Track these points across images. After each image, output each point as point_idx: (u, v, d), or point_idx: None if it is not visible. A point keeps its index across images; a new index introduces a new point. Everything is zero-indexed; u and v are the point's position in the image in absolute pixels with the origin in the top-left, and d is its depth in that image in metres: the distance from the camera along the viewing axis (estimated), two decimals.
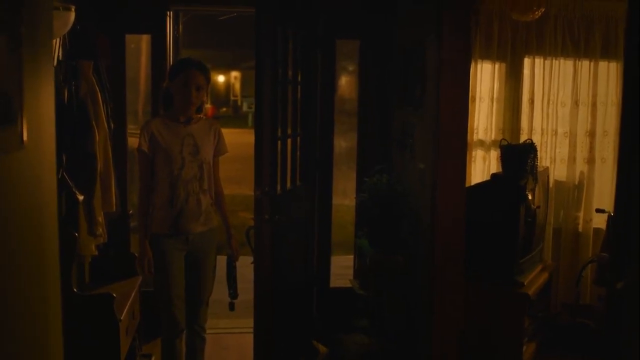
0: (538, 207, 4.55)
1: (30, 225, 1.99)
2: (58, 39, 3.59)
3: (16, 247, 1.86)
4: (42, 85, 2.01)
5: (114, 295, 3.67)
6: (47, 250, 2.15)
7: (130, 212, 4.80)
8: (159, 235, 3.69)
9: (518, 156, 4.30)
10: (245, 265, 4.15)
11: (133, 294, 4.12)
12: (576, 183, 5.24)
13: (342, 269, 5.54)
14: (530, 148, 4.33)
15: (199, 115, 3.78)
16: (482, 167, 5.06)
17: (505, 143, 4.45)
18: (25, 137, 1.80)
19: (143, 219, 3.70)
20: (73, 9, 3.35)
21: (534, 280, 4.48)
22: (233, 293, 3.96)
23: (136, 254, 3.84)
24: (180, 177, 3.63)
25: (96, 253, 3.99)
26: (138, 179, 3.76)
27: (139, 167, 3.73)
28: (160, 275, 3.71)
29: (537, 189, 4.49)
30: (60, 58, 3.68)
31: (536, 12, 4.36)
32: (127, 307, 3.89)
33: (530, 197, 4.40)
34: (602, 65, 5.11)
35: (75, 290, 3.61)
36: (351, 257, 5.27)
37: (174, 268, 3.69)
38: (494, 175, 4.54)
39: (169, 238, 3.68)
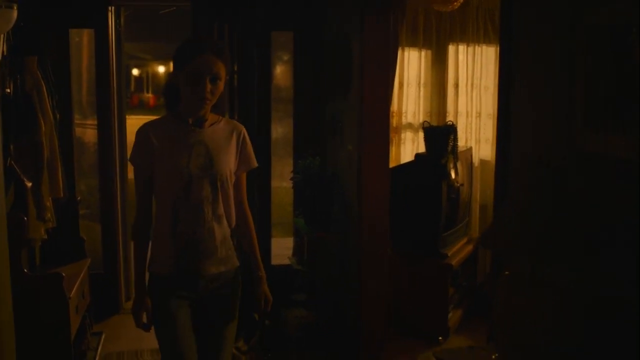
0: (462, 184, 4.87)
1: None
2: (2, 35, 3.78)
3: None
4: None
5: (63, 274, 3.91)
6: None
7: (79, 198, 5.02)
8: (158, 276, 2.72)
9: (439, 137, 4.62)
10: None
11: (82, 275, 4.37)
12: None
13: (284, 249, 5.78)
14: (450, 129, 4.65)
15: (217, 116, 2.79)
16: (411, 148, 5.37)
17: (428, 125, 4.76)
18: None
19: (140, 252, 2.75)
20: (15, 7, 3.53)
21: (457, 252, 4.83)
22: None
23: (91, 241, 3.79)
24: (186, 199, 2.63)
25: (46, 237, 4.23)
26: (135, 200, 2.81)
27: (135, 183, 2.76)
28: (160, 330, 2.71)
29: (459, 168, 4.81)
30: (5, 53, 3.88)
31: (455, 3, 4.66)
32: (76, 286, 4.15)
33: (453, 176, 4.72)
34: None
35: (25, 270, 3.84)
36: (292, 239, 5.52)
37: (177, 321, 2.66)
38: (417, 155, 4.85)
39: (171, 281, 2.68)
